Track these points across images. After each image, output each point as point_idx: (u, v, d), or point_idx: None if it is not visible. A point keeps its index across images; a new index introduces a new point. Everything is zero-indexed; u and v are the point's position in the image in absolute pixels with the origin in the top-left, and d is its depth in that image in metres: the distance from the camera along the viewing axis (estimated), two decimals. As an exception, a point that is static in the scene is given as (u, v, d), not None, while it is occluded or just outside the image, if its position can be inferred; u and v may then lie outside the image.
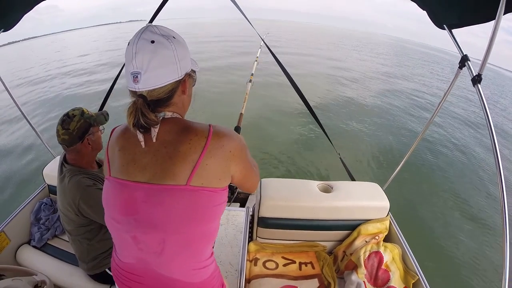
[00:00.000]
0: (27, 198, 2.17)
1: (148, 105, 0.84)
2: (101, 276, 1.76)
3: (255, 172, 1.10)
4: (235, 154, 0.91)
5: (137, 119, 0.82)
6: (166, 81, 0.84)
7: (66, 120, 1.56)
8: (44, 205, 2.18)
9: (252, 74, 2.63)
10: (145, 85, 0.82)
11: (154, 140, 0.87)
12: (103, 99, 2.59)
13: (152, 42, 0.81)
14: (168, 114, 0.90)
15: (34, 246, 2.04)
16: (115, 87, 2.54)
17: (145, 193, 0.87)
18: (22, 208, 2.08)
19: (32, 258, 1.96)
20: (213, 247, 1.04)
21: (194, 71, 0.99)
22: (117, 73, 2.36)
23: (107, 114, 1.74)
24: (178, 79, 0.87)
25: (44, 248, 2.04)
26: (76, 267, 1.84)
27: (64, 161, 1.66)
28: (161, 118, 0.88)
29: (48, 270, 1.83)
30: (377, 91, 13.06)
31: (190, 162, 0.85)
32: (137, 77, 0.82)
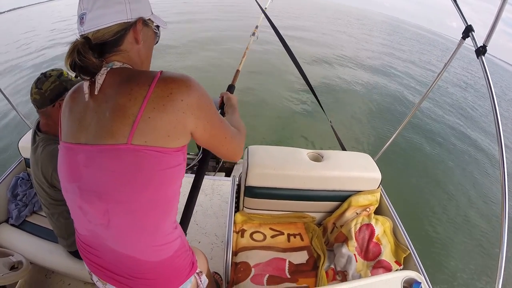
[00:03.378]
0: (2, 173, 2.06)
1: (91, 48, 0.76)
2: None
3: (234, 134, 0.97)
4: (191, 103, 0.76)
5: (73, 59, 0.73)
6: (111, 21, 0.77)
7: (41, 79, 1.45)
8: (21, 180, 2.07)
9: (256, 27, 2.26)
10: (89, 26, 0.76)
11: (96, 92, 0.77)
12: None
13: None
14: (117, 64, 0.81)
15: (12, 225, 1.94)
16: None
17: (86, 155, 0.78)
18: None
19: (11, 237, 1.88)
20: (175, 222, 0.92)
21: (157, 27, 0.93)
22: None
23: None
24: (126, 21, 0.80)
25: (23, 225, 1.95)
26: (56, 244, 1.76)
27: (37, 129, 1.55)
28: (108, 68, 0.79)
29: (28, 249, 1.76)
30: (372, 65, 13.15)
31: (130, 117, 0.73)
32: (83, 18, 0.76)
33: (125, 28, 0.80)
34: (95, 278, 1.01)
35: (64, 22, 18.34)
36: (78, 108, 0.82)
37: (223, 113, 1.32)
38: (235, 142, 0.97)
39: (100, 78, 0.77)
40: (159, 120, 0.73)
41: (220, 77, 7.57)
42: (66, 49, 0.75)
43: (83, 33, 0.77)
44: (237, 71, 1.67)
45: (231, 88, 1.54)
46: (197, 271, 1.05)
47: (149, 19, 0.89)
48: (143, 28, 0.86)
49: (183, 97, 0.75)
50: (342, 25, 32.55)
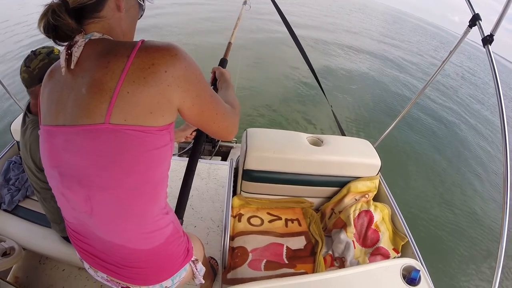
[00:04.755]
0: None
1: (68, 11, 0.69)
2: None
3: (227, 111, 0.89)
4: (176, 75, 0.68)
5: (47, 19, 0.67)
6: None
7: (31, 56, 1.39)
8: (13, 164, 2.03)
9: None
10: None
11: (72, 66, 0.70)
12: None
13: None
14: (96, 35, 0.73)
15: (5, 210, 1.90)
16: None
17: (64, 138, 0.71)
18: None
19: (3, 222, 1.83)
20: (165, 207, 0.86)
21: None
22: None
23: None
24: None
25: (16, 211, 1.90)
26: (49, 229, 1.72)
27: (27, 111, 1.50)
28: (86, 39, 0.72)
29: (21, 235, 1.72)
30: (373, 53, 13.18)
31: (107, 92, 0.65)
32: None
33: None
34: (86, 265, 0.97)
35: None
36: (56, 87, 0.75)
37: (216, 90, 1.26)
38: (228, 119, 0.89)
39: (77, 51, 0.70)
40: (140, 95, 0.65)
41: (210, 51, 7.49)
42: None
43: None
44: (229, 43, 1.57)
45: (223, 63, 1.46)
46: (192, 259, 1.01)
47: None
48: None
49: (168, 67, 0.67)
50: (343, 14, 32.41)
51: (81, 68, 0.70)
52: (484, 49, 1.44)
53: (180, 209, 1.24)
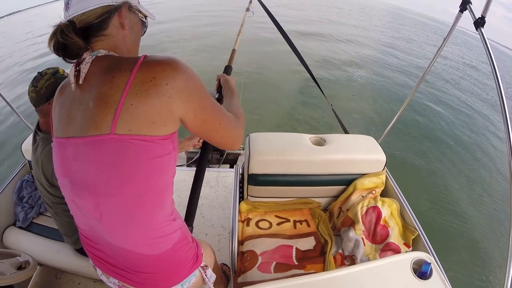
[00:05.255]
0: (7, 178, 2.07)
1: (75, 31, 0.75)
2: None
3: (230, 120, 0.90)
4: (177, 87, 0.72)
5: (57, 38, 0.72)
6: (96, 3, 0.76)
7: (37, 77, 1.47)
8: (25, 183, 2.09)
9: (250, 1, 2.18)
10: (74, 10, 0.75)
11: (80, 82, 0.75)
12: None
13: None
14: (102, 52, 0.78)
15: (20, 227, 1.96)
16: None
17: (74, 149, 0.76)
18: (4, 189, 1.99)
19: (19, 239, 1.90)
20: (172, 214, 0.89)
21: (145, 17, 0.92)
22: None
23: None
24: (110, 3, 0.78)
25: (30, 227, 1.97)
26: (63, 243, 1.77)
27: (37, 129, 1.56)
28: (93, 56, 0.77)
29: (35, 250, 1.77)
30: (371, 48, 13.17)
31: (112, 105, 0.69)
32: (68, 3, 0.76)
33: (110, 11, 0.79)
34: (99, 272, 1.01)
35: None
36: (66, 101, 0.80)
37: (221, 97, 1.28)
38: (231, 129, 0.90)
39: (84, 67, 0.75)
40: (142, 106, 0.69)
41: (216, 59, 7.56)
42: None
43: (68, 18, 0.75)
44: (233, 50, 1.60)
45: (228, 70, 1.48)
46: (202, 265, 1.03)
47: (136, 6, 0.87)
48: (129, 14, 0.84)
49: (168, 80, 0.71)
50: (342, 12, 32.37)
51: (89, 83, 0.75)
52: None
53: (189, 216, 1.27)
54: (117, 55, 0.80)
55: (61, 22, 0.75)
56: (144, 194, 0.77)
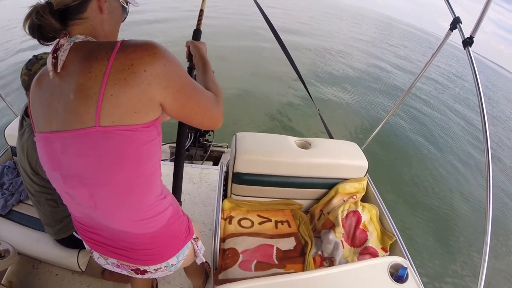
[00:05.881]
0: None
1: (52, 13, 0.73)
2: (68, 240, 1.66)
3: (209, 100, 0.88)
4: (156, 73, 0.70)
5: (32, 19, 0.71)
6: None
7: (32, 60, 1.45)
8: (7, 169, 2.05)
9: None
10: None
11: (58, 70, 0.72)
12: None
13: None
14: (80, 37, 0.76)
15: (-1, 215, 1.92)
16: None
17: (61, 143, 0.75)
18: None
19: (-3, 227, 1.85)
20: (162, 193, 0.92)
21: (126, 3, 0.91)
22: None
23: None
24: None
25: (10, 215, 1.91)
26: (43, 233, 1.74)
27: (24, 115, 1.53)
28: (71, 43, 0.74)
29: (14, 238, 1.73)
30: (359, 57, 13.32)
31: (93, 97, 0.68)
32: None
33: None
34: (96, 255, 1.03)
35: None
36: (45, 93, 0.78)
37: (192, 66, 1.22)
38: (211, 109, 0.88)
39: (63, 55, 0.73)
40: (123, 96, 0.68)
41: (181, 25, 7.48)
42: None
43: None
44: (201, 11, 1.42)
45: (197, 34, 1.34)
46: (193, 237, 1.08)
47: None
48: None
49: (146, 67, 0.69)
50: (333, 20, 32.66)
51: (67, 72, 0.72)
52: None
53: (176, 192, 1.34)
54: (95, 40, 0.79)
55: (38, 3, 0.72)
56: (134, 180, 0.79)
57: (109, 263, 1.02)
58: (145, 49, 0.70)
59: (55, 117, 0.75)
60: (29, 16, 0.72)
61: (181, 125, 1.32)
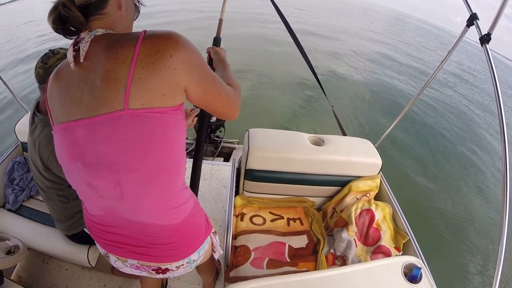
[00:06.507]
0: None
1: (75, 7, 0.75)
2: (79, 236, 1.66)
3: (228, 90, 0.93)
4: (180, 59, 0.74)
5: (58, 12, 0.73)
6: None
7: (48, 54, 1.43)
8: (17, 164, 2.05)
9: None
10: None
11: (81, 60, 0.74)
12: None
13: None
14: (100, 31, 0.78)
15: (9, 210, 1.92)
16: None
17: (85, 130, 0.76)
18: None
19: (8, 222, 1.85)
20: (184, 183, 0.92)
21: (138, 1, 0.94)
22: None
23: None
24: None
25: (20, 210, 1.92)
26: (53, 229, 1.74)
27: (36, 110, 1.52)
28: (92, 36, 0.77)
29: (24, 234, 1.73)
30: (373, 54, 13.27)
31: (121, 81, 0.70)
32: None
33: None
34: (112, 259, 1.01)
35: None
36: (66, 86, 0.79)
37: (213, 69, 1.27)
38: (230, 98, 0.94)
39: (84, 45, 0.75)
40: (152, 79, 0.71)
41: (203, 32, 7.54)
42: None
43: None
44: (220, 20, 1.51)
45: (217, 41, 1.42)
46: (212, 231, 1.10)
47: None
48: None
49: (171, 52, 0.72)
50: (344, 16, 32.51)
51: (91, 62, 0.74)
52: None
53: (193, 188, 1.36)
54: (115, 33, 0.81)
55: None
56: (162, 163, 0.79)
57: (127, 266, 0.99)
58: (168, 37, 0.73)
59: (78, 106, 0.75)
60: (55, 9, 0.74)
61: (201, 124, 1.40)
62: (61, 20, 0.74)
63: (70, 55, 0.76)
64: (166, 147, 0.78)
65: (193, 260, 1.01)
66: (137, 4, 0.94)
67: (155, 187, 0.81)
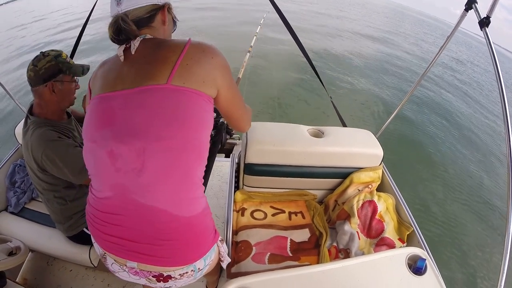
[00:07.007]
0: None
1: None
2: (79, 237, 1.67)
3: (244, 106, 1.11)
4: (219, 62, 0.89)
5: (118, 25, 0.85)
6: (146, 2, 0.90)
7: (39, 57, 1.44)
8: (18, 167, 2.06)
9: (250, 47, 2.61)
10: (126, 6, 0.88)
11: (133, 52, 0.86)
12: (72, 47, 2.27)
13: None
14: (149, 36, 0.91)
15: (12, 212, 1.93)
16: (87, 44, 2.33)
17: (123, 99, 0.83)
18: None
19: (11, 225, 1.87)
20: (201, 179, 0.94)
21: (175, 17, 1.06)
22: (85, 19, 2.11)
23: (88, 68, 1.58)
24: (157, 2, 0.92)
25: (22, 213, 1.94)
26: (55, 230, 1.75)
27: (29, 113, 1.52)
28: (141, 37, 0.89)
29: (27, 235, 1.74)
30: (372, 42, 13.19)
31: (170, 63, 0.82)
32: (120, 1, 0.88)
33: (156, 9, 0.93)
34: (110, 261, 0.98)
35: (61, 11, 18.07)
36: (112, 67, 0.91)
37: None
38: (247, 112, 1.15)
39: (136, 42, 0.87)
40: (196, 67, 0.84)
41: None
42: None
43: (118, 12, 0.87)
44: (238, 78, 1.75)
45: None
46: (219, 239, 1.09)
47: (173, 13, 1.04)
48: (167, 13, 0.98)
49: (213, 55, 0.87)
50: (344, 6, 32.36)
51: (140, 53, 0.87)
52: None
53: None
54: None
55: (117, 13, 0.87)
56: (190, 141, 0.84)
57: (125, 270, 0.96)
58: (211, 46, 0.90)
59: (121, 81, 0.85)
60: (115, 22, 0.86)
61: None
62: (119, 31, 0.86)
63: (120, 50, 0.88)
64: (197, 126, 0.85)
65: (199, 268, 0.98)
66: (175, 19, 1.07)
67: (179, 165, 0.84)
